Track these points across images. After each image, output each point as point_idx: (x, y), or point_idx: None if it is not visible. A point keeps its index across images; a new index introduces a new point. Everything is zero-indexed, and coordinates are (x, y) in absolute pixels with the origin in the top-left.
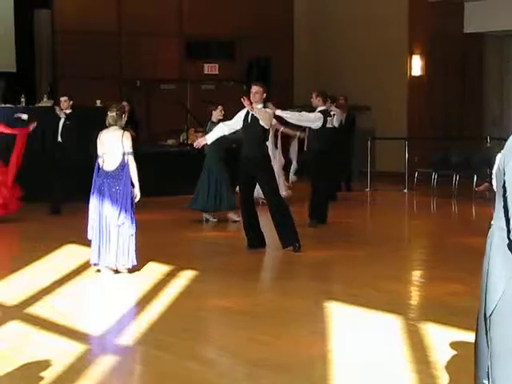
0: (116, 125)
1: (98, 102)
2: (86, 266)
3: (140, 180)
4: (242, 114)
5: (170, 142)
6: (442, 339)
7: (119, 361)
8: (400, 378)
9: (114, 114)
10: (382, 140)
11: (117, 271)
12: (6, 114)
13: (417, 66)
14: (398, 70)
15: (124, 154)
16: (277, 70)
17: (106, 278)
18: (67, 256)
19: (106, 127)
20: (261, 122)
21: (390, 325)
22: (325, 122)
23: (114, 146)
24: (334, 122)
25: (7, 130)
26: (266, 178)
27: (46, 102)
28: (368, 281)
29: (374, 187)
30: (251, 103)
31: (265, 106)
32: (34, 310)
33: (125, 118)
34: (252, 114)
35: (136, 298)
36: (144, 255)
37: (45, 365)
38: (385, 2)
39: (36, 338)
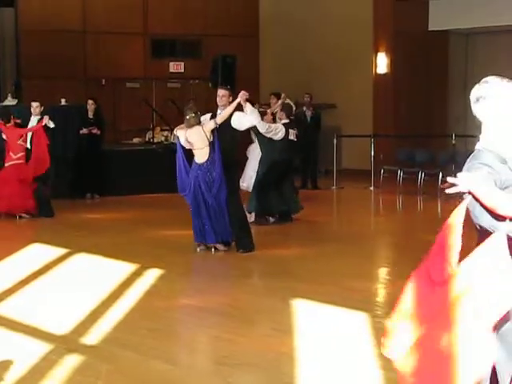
0: (197, 124)
1: (63, 101)
2: (50, 265)
3: (105, 179)
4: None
5: (136, 140)
6: None
7: (84, 360)
8: (366, 374)
9: (193, 114)
10: (348, 138)
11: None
12: None
13: (382, 63)
14: (363, 68)
15: (210, 145)
16: (242, 68)
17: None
18: (31, 256)
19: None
20: (233, 124)
21: (357, 322)
22: (286, 134)
23: (201, 143)
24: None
25: (22, 131)
26: (229, 181)
27: (10, 101)
28: (334, 278)
29: (340, 185)
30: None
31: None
32: None
33: (200, 114)
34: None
35: (102, 297)
36: (108, 254)
37: (7, 365)
38: (350, 1)
39: None
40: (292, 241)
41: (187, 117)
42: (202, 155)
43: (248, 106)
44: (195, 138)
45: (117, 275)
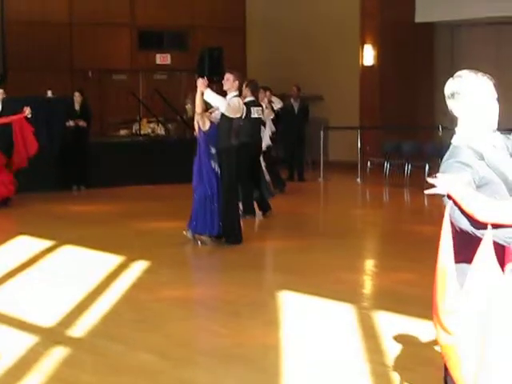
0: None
1: (49, 93)
2: (36, 257)
3: (92, 171)
4: None
5: (123, 132)
6: (393, 328)
7: (71, 353)
8: (352, 366)
9: (189, 105)
10: (335, 129)
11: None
12: None
13: (369, 55)
14: (350, 60)
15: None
16: (230, 61)
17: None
18: (17, 248)
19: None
20: (223, 111)
21: (343, 314)
22: (248, 113)
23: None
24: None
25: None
26: (226, 169)
27: None
28: (321, 271)
29: (327, 177)
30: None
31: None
32: None
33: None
34: None
35: (88, 289)
36: (94, 246)
37: None
38: None
39: None
40: (279, 233)
41: (186, 107)
42: None
43: (207, 92)
44: (196, 127)
45: (103, 267)
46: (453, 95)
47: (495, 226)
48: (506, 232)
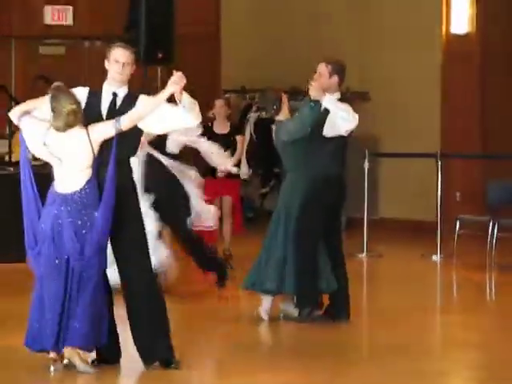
0: (78, 124)
1: None
2: None
3: None
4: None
5: None
6: None
7: None
8: None
9: (73, 105)
10: (391, 158)
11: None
12: None
13: (460, 16)
14: (423, 25)
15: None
16: (188, 15)
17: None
18: None
19: None
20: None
21: None
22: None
23: (78, 160)
24: None
25: None
26: (134, 227)
27: None
28: None
29: (376, 250)
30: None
31: None
32: None
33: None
34: (119, 104)
35: None
36: None
37: None
38: None
39: None
40: (284, 361)
41: (64, 109)
42: (74, 180)
43: (185, 98)
44: (69, 150)
45: None
46: None
47: None
48: None
